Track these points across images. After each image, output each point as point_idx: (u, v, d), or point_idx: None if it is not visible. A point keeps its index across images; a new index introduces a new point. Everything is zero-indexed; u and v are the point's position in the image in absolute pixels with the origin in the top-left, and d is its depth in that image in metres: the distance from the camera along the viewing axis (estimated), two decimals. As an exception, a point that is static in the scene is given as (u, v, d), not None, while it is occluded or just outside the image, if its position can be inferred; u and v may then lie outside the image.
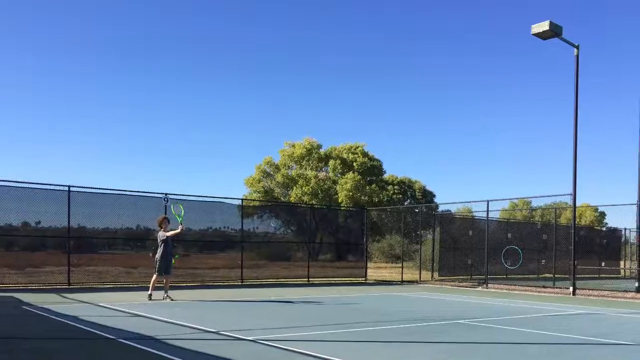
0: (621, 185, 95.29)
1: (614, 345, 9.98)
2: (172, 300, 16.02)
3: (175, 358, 7.81)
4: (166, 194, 22.30)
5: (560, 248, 29.18)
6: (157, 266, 16.45)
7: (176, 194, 22.75)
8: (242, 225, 25.74)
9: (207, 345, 8.91)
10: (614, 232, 40.28)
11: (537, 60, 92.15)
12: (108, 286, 21.19)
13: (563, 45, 21.65)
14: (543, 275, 31.17)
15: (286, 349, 8.66)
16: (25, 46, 77.62)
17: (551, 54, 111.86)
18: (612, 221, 67.11)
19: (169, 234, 16.47)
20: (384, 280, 29.32)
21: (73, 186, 20.73)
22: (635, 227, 24.28)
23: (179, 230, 16.59)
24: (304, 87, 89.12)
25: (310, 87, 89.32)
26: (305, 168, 50.63)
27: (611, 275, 36.37)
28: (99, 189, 21.56)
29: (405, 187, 55.08)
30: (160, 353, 8.15)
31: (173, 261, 16.97)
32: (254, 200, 43.67)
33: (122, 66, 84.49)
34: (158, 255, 16.44)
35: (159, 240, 16.57)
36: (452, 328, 11.74)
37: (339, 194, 48.14)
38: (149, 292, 16.31)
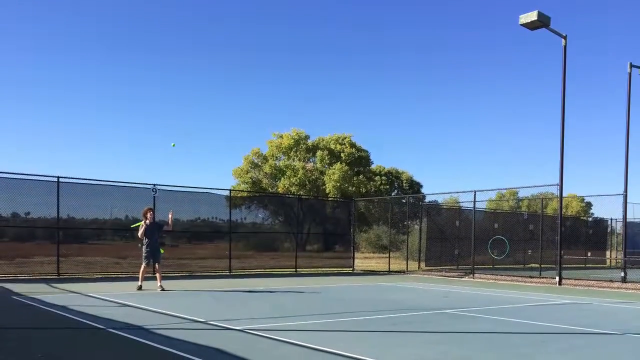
0: (608, 176, 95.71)
1: (599, 334, 10.11)
2: (163, 290, 16.12)
3: (163, 347, 7.85)
4: (155, 185, 22.34)
5: (547, 238, 29.42)
6: (143, 256, 16.66)
7: (165, 185, 22.84)
8: (230, 216, 25.77)
9: (196, 335, 8.98)
10: (600, 223, 40.56)
11: (524, 52, 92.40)
12: (97, 276, 21.21)
13: (551, 36, 21.77)
14: (529, 265, 31.42)
15: (274, 339, 8.73)
16: (11, 42, 77.12)
17: (538, 45, 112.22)
18: (598, 212, 67.54)
19: (140, 231, 16.65)
20: (371, 271, 29.43)
21: (62, 177, 20.73)
22: (621, 217, 24.49)
23: (141, 231, 16.71)
24: (292, 79, 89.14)
25: (298, 79, 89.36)
26: (293, 159, 50.59)
27: (597, 265, 36.71)
28: (88, 179, 21.58)
29: (393, 177, 55.13)
30: (149, 342, 8.20)
31: (162, 250, 17.16)
32: (241, 191, 43.59)
33: (108, 58, 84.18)
34: (144, 246, 16.62)
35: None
36: (438, 318, 11.85)
37: (327, 185, 48.16)
38: (139, 283, 16.42)
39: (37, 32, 79.50)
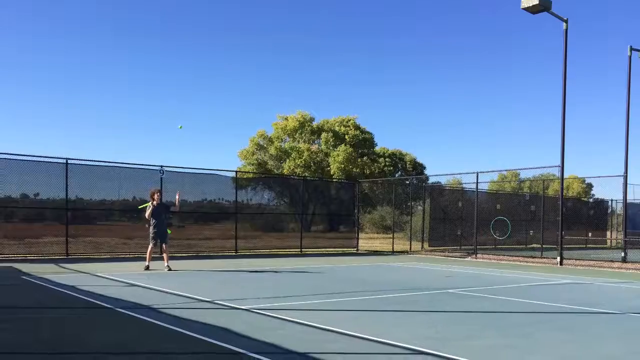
0: (608, 157, 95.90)
1: (599, 313, 10.28)
2: (170, 270, 16.36)
3: (171, 327, 8.03)
4: (162, 166, 22.56)
5: (548, 219, 29.53)
6: (150, 236, 16.89)
7: (172, 166, 23.08)
8: (236, 197, 26.00)
9: (202, 315, 9.13)
10: (601, 203, 40.65)
11: (525, 35, 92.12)
12: (105, 257, 21.47)
13: (552, 19, 21.83)
14: (531, 246, 31.54)
15: (279, 318, 8.90)
16: (23, 28, 77.19)
17: (539, 28, 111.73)
18: (599, 192, 67.55)
19: (147, 212, 16.87)
20: (375, 251, 29.63)
21: (71, 159, 20.95)
22: (621, 198, 24.65)
23: (148, 212, 16.93)
24: (298, 62, 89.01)
25: (304, 62, 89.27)
26: (298, 141, 50.73)
27: (597, 246, 36.78)
28: (96, 161, 21.78)
29: (396, 159, 55.19)
30: (156, 322, 8.38)
31: (169, 231, 17.39)
32: (247, 172, 43.70)
33: (119, 43, 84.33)
34: (151, 226, 16.85)
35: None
36: (441, 297, 12.03)
37: (331, 166, 48.30)
38: (147, 263, 16.67)
39: (38, 19, 79.43)
